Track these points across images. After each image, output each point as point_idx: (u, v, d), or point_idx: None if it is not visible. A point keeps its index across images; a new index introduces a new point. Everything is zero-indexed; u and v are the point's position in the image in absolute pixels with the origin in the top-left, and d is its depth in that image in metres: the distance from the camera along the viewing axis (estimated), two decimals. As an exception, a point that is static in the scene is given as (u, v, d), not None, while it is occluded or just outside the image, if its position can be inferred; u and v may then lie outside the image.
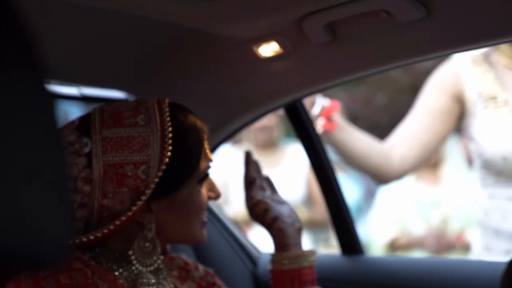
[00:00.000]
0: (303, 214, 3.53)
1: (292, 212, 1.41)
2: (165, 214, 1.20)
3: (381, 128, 6.16)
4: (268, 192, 1.43)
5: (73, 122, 1.21)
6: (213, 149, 1.95)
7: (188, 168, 1.20)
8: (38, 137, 0.53)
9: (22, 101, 0.52)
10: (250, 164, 1.44)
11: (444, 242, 3.54)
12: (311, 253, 1.36)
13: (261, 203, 1.37)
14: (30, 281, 1.05)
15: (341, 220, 1.95)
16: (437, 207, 3.64)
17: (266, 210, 1.36)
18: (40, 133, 0.53)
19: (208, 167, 1.25)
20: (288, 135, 3.85)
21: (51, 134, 0.54)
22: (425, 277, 1.75)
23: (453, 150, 3.77)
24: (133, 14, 1.33)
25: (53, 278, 1.06)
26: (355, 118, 4.79)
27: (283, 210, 1.39)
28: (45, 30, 1.40)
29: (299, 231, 1.38)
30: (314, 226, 3.61)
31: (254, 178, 1.42)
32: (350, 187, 4.20)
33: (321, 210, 3.52)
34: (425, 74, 6.22)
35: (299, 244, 1.37)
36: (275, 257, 1.35)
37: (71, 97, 1.77)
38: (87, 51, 1.58)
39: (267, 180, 1.47)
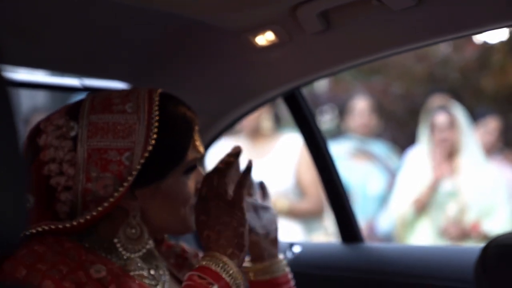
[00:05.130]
0: (291, 204, 3.53)
1: (270, 221, 1.38)
2: (150, 202, 1.21)
3: (398, 117, 6.16)
4: (254, 197, 1.38)
5: (65, 107, 1.24)
6: (214, 139, 1.97)
7: (174, 157, 1.21)
8: None
9: None
10: None
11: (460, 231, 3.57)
12: (282, 261, 1.38)
13: None
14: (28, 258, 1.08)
15: (341, 208, 1.96)
16: (454, 197, 3.64)
17: None
18: None
19: (196, 158, 1.26)
20: (279, 125, 3.86)
21: (7, 137, 0.56)
22: (420, 263, 1.77)
23: (469, 140, 3.76)
24: (134, 6, 1.35)
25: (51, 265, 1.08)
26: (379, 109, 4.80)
27: (259, 220, 1.36)
28: (48, 22, 1.44)
29: (274, 242, 1.38)
30: (303, 215, 3.61)
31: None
32: (375, 177, 4.22)
33: (310, 199, 3.55)
34: (441, 63, 6.24)
35: (274, 255, 1.38)
36: (251, 269, 1.37)
37: (73, 88, 1.80)
38: (88, 43, 1.60)
39: (261, 186, 1.43)
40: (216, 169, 1.27)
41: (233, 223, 1.20)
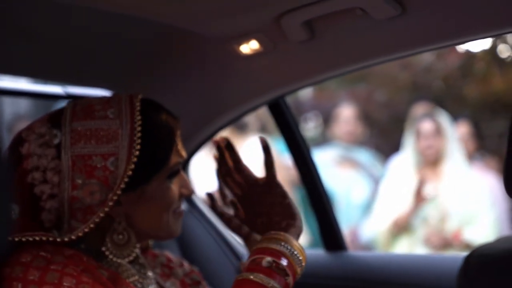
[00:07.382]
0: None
1: None
2: (134, 207, 1.21)
3: (381, 125, 6.19)
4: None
5: (46, 115, 1.23)
6: (198, 147, 1.97)
7: (157, 162, 1.21)
8: None
9: None
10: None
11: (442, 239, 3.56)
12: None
13: (234, 219, 1.36)
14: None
15: (325, 217, 1.96)
16: (436, 205, 3.64)
17: (240, 226, 1.36)
18: None
19: (179, 163, 1.26)
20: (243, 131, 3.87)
21: None
22: (404, 272, 1.78)
23: (454, 148, 3.77)
24: (117, 13, 1.35)
25: (60, 273, 1.08)
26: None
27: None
28: (31, 30, 1.43)
29: None
30: None
31: (211, 195, 1.39)
32: (359, 185, 4.22)
33: None
34: (424, 71, 6.29)
35: None
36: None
37: (57, 96, 1.79)
38: (72, 50, 1.60)
39: None
40: (228, 168, 1.33)
41: (277, 199, 1.27)
